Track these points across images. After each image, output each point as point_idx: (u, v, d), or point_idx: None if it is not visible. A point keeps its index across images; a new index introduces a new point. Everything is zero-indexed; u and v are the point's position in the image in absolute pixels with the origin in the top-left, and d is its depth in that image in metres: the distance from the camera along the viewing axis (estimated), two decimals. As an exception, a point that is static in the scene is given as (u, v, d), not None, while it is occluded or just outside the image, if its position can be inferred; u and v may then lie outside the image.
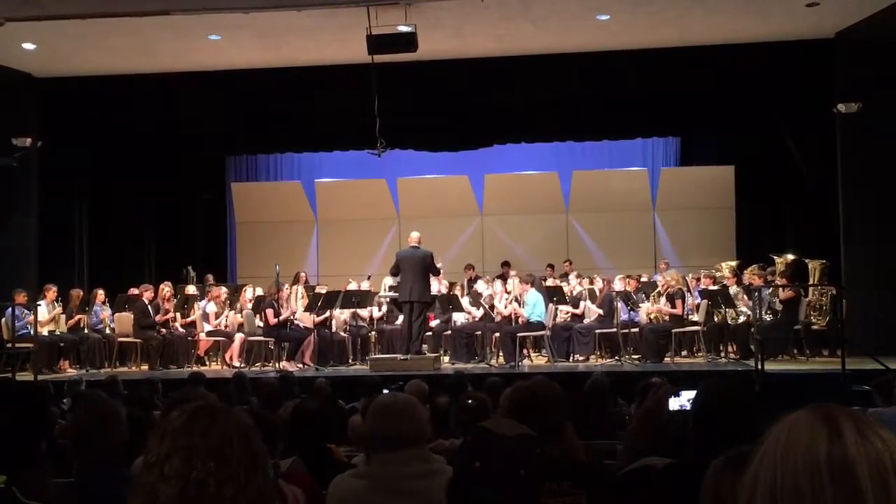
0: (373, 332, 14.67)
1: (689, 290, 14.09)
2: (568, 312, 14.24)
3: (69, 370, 13.61)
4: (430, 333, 13.89)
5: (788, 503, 1.27)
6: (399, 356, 12.83)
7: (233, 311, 14.56)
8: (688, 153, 18.36)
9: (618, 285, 13.96)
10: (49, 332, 13.66)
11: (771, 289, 13.26)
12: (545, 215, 17.71)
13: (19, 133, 14.46)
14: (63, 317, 14.07)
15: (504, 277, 15.09)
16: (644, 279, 14.86)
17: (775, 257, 14.34)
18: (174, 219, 17.72)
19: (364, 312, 14.64)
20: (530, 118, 15.66)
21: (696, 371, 11.60)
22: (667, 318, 13.51)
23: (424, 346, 13.41)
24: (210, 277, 16.21)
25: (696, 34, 13.87)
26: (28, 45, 13.68)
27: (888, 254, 13.43)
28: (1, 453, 2.41)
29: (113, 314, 14.50)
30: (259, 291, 14.64)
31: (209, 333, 14.35)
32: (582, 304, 14.25)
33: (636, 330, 13.64)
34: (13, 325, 12.86)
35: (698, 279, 14.50)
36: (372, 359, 13.33)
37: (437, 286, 14.20)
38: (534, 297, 13.31)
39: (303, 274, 15.75)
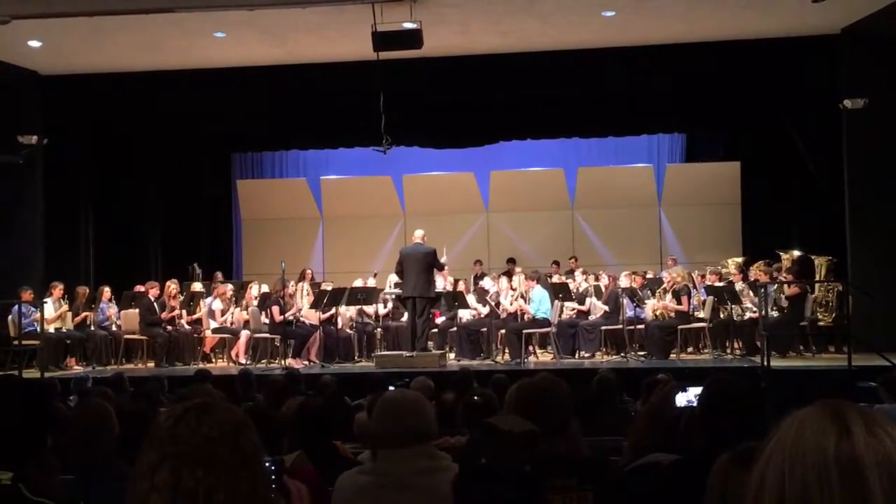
0: (378, 329, 14.68)
1: (694, 287, 14.08)
2: (574, 309, 14.23)
3: (76, 367, 13.62)
4: (435, 330, 13.89)
5: (796, 500, 1.27)
6: (405, 353, 12.83)
7: (238, 308, 14.57)
8: (693, 149, 18.34)
9: (623, 282, 13.95)
10: (55, 329, 13.69)
11: (776, 285, 13.24)
12: (551, 212, 17.70)
13: (25, 131, 14.48)
14: (69, 314, 14.09)
15: (509, 274, 15.09)
16: (650, 276, 14.85)
17: (781, 253, 14.32)
18: (180, 216, 17.73)
19: (370, 309, 14.65)
20: (536, 115, 15.66)
21: (702, 367, 11.60)
22: (672, 314, 13.50)
23: (430, 343, 13.41)
24: (219, 275, 16.24)
25: (702, 30, 13.85)
26: (34, 43, 13.70)
27: (895, 250, 13.39)
28: (6, 450, 2.41)
29: (119, 311, 14.52)
30: (265, 288, 14.65)
31: (215, 330, 14.37)
32: (588, 300, 14.24)
33: (642, 326, 13.63)
34: (20, 323, 12.89)
35: (703, 276, 14.48)
36: (378, 356, 13.33)
37: (443, 283, 14.20)
38: (539, 294, 13.30)
39: (308, 271, 15.75)
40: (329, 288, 14.04)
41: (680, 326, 13.34)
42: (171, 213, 17.60)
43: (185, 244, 17.42)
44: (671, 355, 13.18)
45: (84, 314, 14.21)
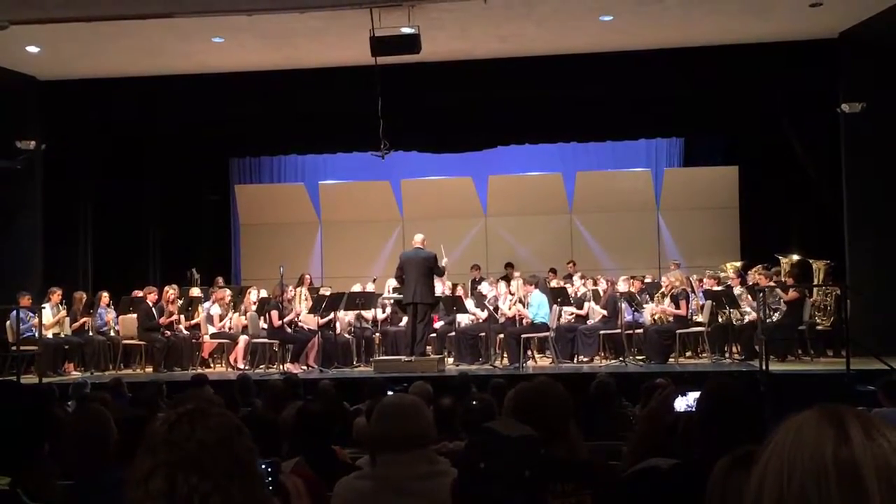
0: (377, 334, 14.67)
1: (693, 291, 14.08)
2: (572, 313, 14.23)
3: (74, 372, 13.62)
4: (434, 335, 13.89)
5: (795, 504, 1.27)
6: (403, 358, 12.82)
7: (237, 313, 14.57)
8: (692, 153, 18.35)
9: (622, 286, 13.95)
10: (54, 334, 13.68)
11: (776, 289, 13.25)
12: (549, 216, 17.71)
13: (24, 136, 14.49)
14: (68, 319, 14.09)
15: (508, 279, 15.09)
16: (648, 280, 14.85)
17: (780, 257, 14.33)
18: (178, 221, 17.73)
19: (368, 314, 14.65)
20: (534, 119, 15.67)
21: (701, 372, 11.58)
22: (671, 318, 13.50)
23: (429, 348, 13.40)
24: (220, 280, 16.24)
25: (700, 34, 13.87)
26: (32, 48, 13.70)
27: (893, 253, 13.40)
28: (4, 455, 2.41)
29: (117, 316, 14.51)
30: (263, 293, 14.64)
31: (213, 335, 14.36)
32: (586, 305, 14.24)
33: (640, 331, 13.63)
34: (18, 328, 12.89)
35: (701, 280, 14.49)
36: (376, 360, 13.33)
37: (441, 287, 14.20)
38: (538, 299, 13.30)
39: (307, 276, 15.75)
40: (328, 293, 14.03)
41: (678, 331, 13.34)
42: (169, 218, 17.60)
43: (184, 249, 17.43)
44: (670, 359, 13.18)
45: (82, 319, 14.20)
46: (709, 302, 13.53)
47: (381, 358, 13.59)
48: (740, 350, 13.33)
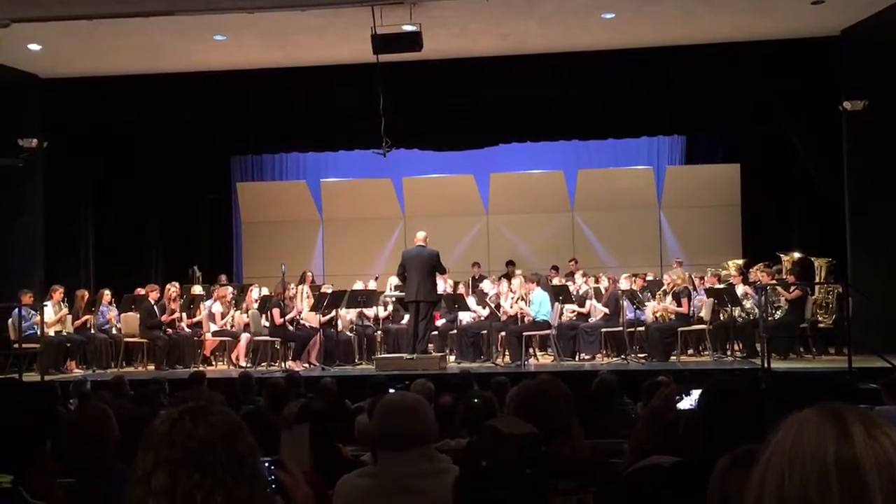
0: (378, 332, 14.68)
1: (694, 289, 14.08)
2: (574, 311, 14.22)
3: (76, 370, 13.62)
4: (435, 333, 13.89)
5: (796, 502, 1.27)
6: (405, 355, 12.82)
7: (239, 311, 14.56)
8: (693, 151, 18.34)
9: (624, 284, 13.95)
10: (56, 332, 13.68)
11: (777, 287, 13.24)
12: (551, 214, 17.71)
13: (25, 134, 14.48)
14: (69, 317, 14.09)
15: (509, 276, 15.09)
16: (650, 278, 14.85)
17: (781, 255, 14.32)
18: (180, 219, 17.74)
19: (370, 312, 14.65)
20: (535, 117, 15.65)
21: (703, 370, 11.60)
22: (673, 316, 13.50)
23: (430, 346, 13.40)
24: (223, 278, 16.24)
25: (702, 32, 13.86)
26: (33, 46, 13.70)
27: (895, 251, 13.39)
28: (6, 453, 2.41)
29: (119, 314, 14.52)
30: (265, 291, 14.64)
31: (215, 333, 14.36)
32: (588, 302, 14.24)
33: (642, 329, 13.63)
34: (20, 326, 12.90)
35: (702, 277, 14.48)
36: (378, 358, 13.33)
37: (443, 285, 14.20)
38: (540, 296, 13.30)
39: (308, 273, 15.75)
40: (329, 290, 14.03)
41: (680, 328, 13.34)
42: (171, 216, 17.61)
43: (185, 247, 17.44)
44: (671, 357, 13.18)
45: (84, 317, 14.20)
46: (710, 300, 13.52)
47: (383, 356, 13.59)
48: (742, 348, 13.34)
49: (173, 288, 14.43)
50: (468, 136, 16.08)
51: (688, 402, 3.78)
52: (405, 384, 8.25)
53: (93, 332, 14.14)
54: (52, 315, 13.62)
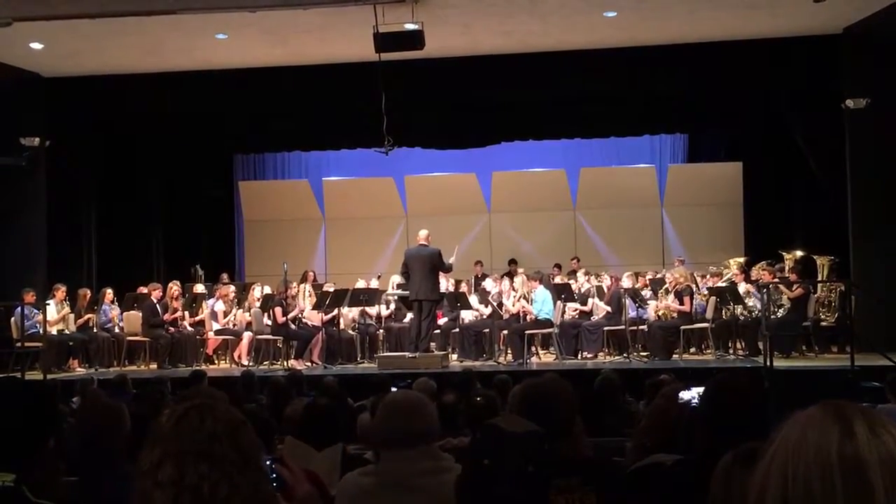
0: (381, 330, 14.68)
1: (697, 287, 14.07)
2: (576, 310, 14.22)
3: (78, 369, 13.64)
4: (438, 331, 13.89)
5: (799, 501, 1.27)
6: (407, 354, 12.82)
7: (241, 310, 14.57)
8: (695, 149, 18.33)
9: (626, 282, 13.94)
10: (58, 331, 13.69)
11: (780, 285, 13.24)
12: (553, 212, 17.71)
13: (27, 133, 14.49)
14: (72, 316, 14.10)
15: (511, 275, 15.09)
16: (652, 276, 14.84)
17: (784, 254, 14.31)
18: (182, 217, 17.74)
19: (372, 310, 14.66)
20: (538, 115, 15.65)
21: (705, 368, 11.60)
22: (675, 314, 13.49)
23: (432, 344, 13.41)
24: (225, 276, 16.25)
25: (704, 30, 13.85)
26: (36, 45, 13.71)
27: (897, 250, 13.40)
28: (8, 452, 2.41)
29: (122, 313, 14.53)
30: (267, 290, 14.65)
31: (218, 332, 14.37)
32: (590, 301, 14.24)
33: (644, 327, 13.62)
34: (22, 325, 12.90)
35: (704, 276, 14.48)
36: (380, 357, 13.34)
37: (445, 284, 14.21)
38: (542, 295, 13.30)
39: (311, 272, 15.76)
40: (331, 289, 14.04)
41: (682, 327, 13.33)
42: (173, 214, 17.62)
43: (188, 246, 17.45)
44: (674, 356, 13.17)
45: (87, 316, 14.21)
46: (713, 298, 13.51)
47: (385, 354, 13.60)
48: (744, 346, 13.33)
49: (175, 287, 14.44)
50: (470, 134, 16.08)
51: (687, 396, 3.77)
52: (407, 383, 8.25)
53: (95, 330, 14.15)
54: (55, 314, 13.63)
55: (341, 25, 12.96)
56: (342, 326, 13.97)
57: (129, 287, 14.95)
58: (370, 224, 18.00)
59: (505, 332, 13.59)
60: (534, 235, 17.78)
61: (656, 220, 17.53)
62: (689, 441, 3.25)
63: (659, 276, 14.79)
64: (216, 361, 14.51)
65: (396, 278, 14.20)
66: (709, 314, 13.52)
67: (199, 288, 15.20)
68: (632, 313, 13.70)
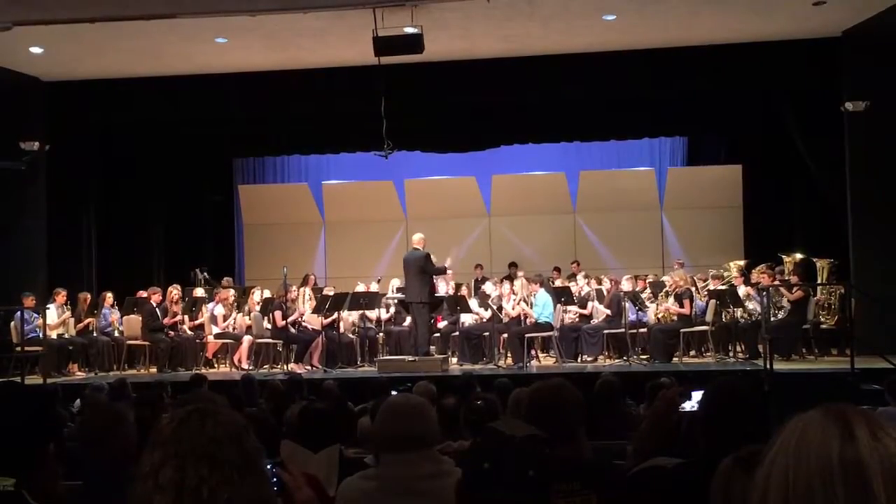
0: (381, 334, 14.68)
1: (697, 290, 14.07)
2: (576, 313, 14.21)
3: (78, 373, 13.64)
4: (438, 335, 13.89)
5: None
6: (407, 358, 12.84)
7: (241, 314, 14.57)
8: (695, 152, 18.33)
9: (626, 285, 13.94)
10: (58, 335, 13.69)
11: (780, 288, 13.23)
12: (553, 216, 17.71)
13: (27, 137, 14.47)
14: (72, 320, 14.10)
15: (511, 278, 15.09)
16: (652, 279, 14.84)
17: (784, 256, 14.31)
18: (182, 221, 17.76)
19: (372, 314, 14.65)
20: (537, 118, 15.67)
21: (705, 371, 11.59)
22: (675, 318, 13.49)
23: (433, 348, 13.41)
24: (226, 280, 16.25)
25: (703, 33, 13.85)
26: (36, 49, 13.72)
27: (897, 252, 13.40)
28: (9, 457, 2.41)
29: (121, 317, 14.53)
30: (267, 293, 14.65)
31: (217, 336, 14.36)
32: (590, 304, 14.23)
33: (644, 330, 13.62)
34: (22, 329, 12.90)
35: (705, 279, 14.48)
36: (380, 360, 13.34)
37: (445, 287, 14.21)
38: (542, 298, 13.30)
39: (311, 276, 15.76)
40: (331, 293, 14.03)
41: (682, 330, 13.32)
42: (173, 218, 17.63)
43: (188, 250, 17.45)
44: (674, 359, 13.16)
45: (86, 320, 14.21)
46: (713, 301, 13.51)
47: (385, 358, 13.59)
48: (744, 349, 13.32)
49: (175, 290, 14.44)
50: (470, 137, 16.09)
51: (688, 403, 3.77)
52: (407, 386, 8.24)
53: (95, 334, 14.15)
54: (55, 318, 13.63)
55: (341, 29, 12.97)
56: (342, 330, 13.97)
57: (129, 291, 14.95)
58: (370, 228, 18.01)
59: (505, 335, 13.59)
60: (534, 239, 17.78)
61: (656, 223, 17.53)
62: (689, 444, 3.25)
63: (659, 279, 14.81)
64: (216, 365, 14.50)
65: (396, 282, 14.23)
66: (709, 317, 13.52)
67: (199, 292, 15.20)
68: (632, 316, 13.70)
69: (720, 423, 2.93)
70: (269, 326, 13.81)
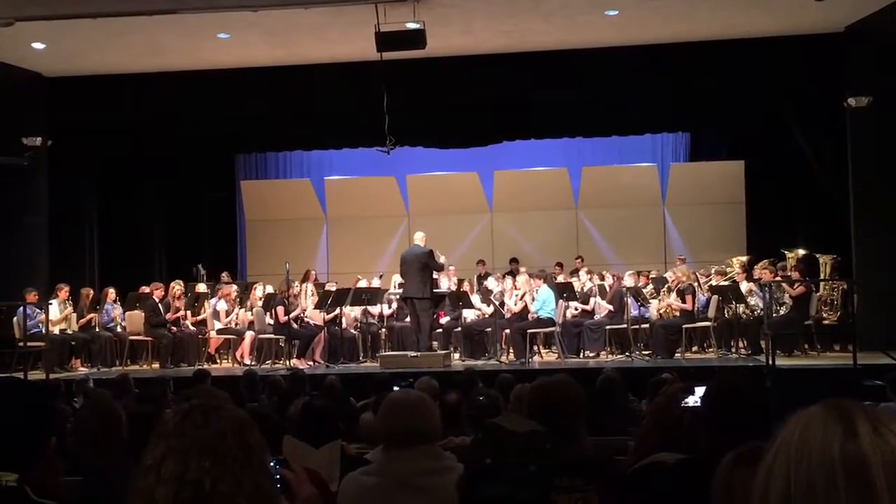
0: (383, 330, 14.69)
1: (699, 286, 14.06)
2: (578, 309, 14.21)
3: (80, 369, 13.65)
4: (440, 330, 13.90)
5: (802, 500, 1.27)
6: (409, 353, 12.84)
7: (243, 309, 14.58)
8: (697, 148, 18.30)
9: (628, 281, 13.93)
10: (60, 330, 13.70)
11: (782, 284, 13.23)
12: (555, 211, 17.69)
13: (29, 132, 14.48)
14: (74, 315, 14.11)
15: (513, 274, 15.09)
16: (654, 275, 14.84)
17: (786, 252, 14.30)
18: (184, 217, 17.77)
19: (374, 309, 14.66)
20: (539, 114, 15.63)
21: (707, 367, 11.60)
22: (677, 313, 13.48)
23: (434, 343, 13.42)
24: (225, 275, 16.25)
25: (705, 29, 13.84)
26: (38, 45, 13.71)
27: (900, 248, 13.39)
28: (10, 452, 2.42)
29: (124, 312, 14.53)
30: (269, 289, 14.66)
31: (220, 331, 14.38)
32: (592, 300, 14.23)
33: (646, 326, 13.62)
34: (25, 324, 12.90)
35: (708, 274, 14.47)
36: (382, 356, 13.34)
37: (448, 283, 14.21)
38: (545, 294, 13.30)
39: (313, 272, 15.76)
40: (333, 288, 14.04)
41: (684, 326, 13.32)
42: (175, 214, 17.64)
43: (190, 245, 17.46)
44: (676, 354, 13.17)
45: (89, 316, 14.22)
46: (715, 297, 13.51)
47: (387, 353, 13.59)
48: (746, 345, 13.32)
49: (178, 286, 14.45)
50: (472, 133, 16.06)
51: (692, 401, 3.76)
52: (410, 382, 8.25)
53: (97, 330, 14.16)
54: (57, 313, 13.64)
55: (343, 25, 12.96)
56: (344, 326, 13.97)
57: (132, 287, 14.96)
58: (372, 223, 18.00)
59: (507, 331, 13.59)
60: (536, 234, 17.76)
61: (658, 219, 17.51)
62: (690, 440, 3.25)
63: (661, 275, 14.80)
64: (218, 361, 14.52)
65: (398, 278, 14.23)
66: (711, 313, 13.51)
67: (202, 287, 15.21)
68: (634, 312, 13.69)
69: (722, 419, 2.93)
70: (272, 322, 13.82)
